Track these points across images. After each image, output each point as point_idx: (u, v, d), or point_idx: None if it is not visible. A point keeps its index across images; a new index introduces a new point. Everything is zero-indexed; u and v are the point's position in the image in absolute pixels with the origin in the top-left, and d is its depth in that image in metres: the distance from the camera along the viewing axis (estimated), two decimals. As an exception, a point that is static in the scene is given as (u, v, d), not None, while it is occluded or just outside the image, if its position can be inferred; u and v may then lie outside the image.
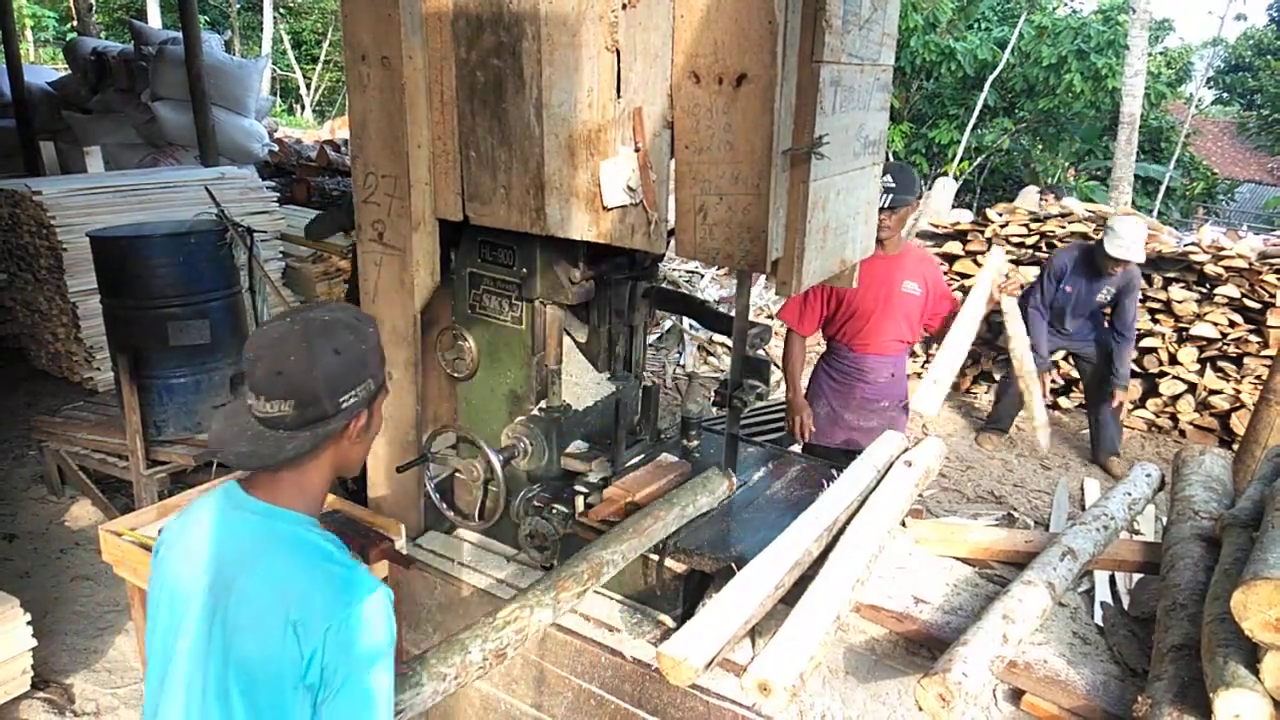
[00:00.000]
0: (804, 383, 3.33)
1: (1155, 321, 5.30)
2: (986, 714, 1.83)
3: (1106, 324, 4.89)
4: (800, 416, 3.22)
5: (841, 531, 2.13)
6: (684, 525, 2.04)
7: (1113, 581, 3.23)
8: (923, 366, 6.08)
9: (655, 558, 2.05)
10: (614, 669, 2.00)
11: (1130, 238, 4.36)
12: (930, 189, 8.47)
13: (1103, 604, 2.69)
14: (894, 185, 2.92)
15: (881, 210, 2.92)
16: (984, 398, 5.95)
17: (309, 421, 1.20)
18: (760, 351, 2.40)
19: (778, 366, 5.93)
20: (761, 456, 2.67)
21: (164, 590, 1.27)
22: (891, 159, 12.00)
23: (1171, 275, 5.26)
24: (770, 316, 6.58)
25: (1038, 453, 5.05)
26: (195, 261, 3.89)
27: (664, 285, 3.44)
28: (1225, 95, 26.51)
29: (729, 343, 5.40)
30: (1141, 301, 5.32)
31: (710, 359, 6.25)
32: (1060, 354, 5.27)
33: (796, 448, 3.24)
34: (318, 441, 1.21)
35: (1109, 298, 4.68)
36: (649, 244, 1.94)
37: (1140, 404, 5.39)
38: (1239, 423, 4.94)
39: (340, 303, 1.34)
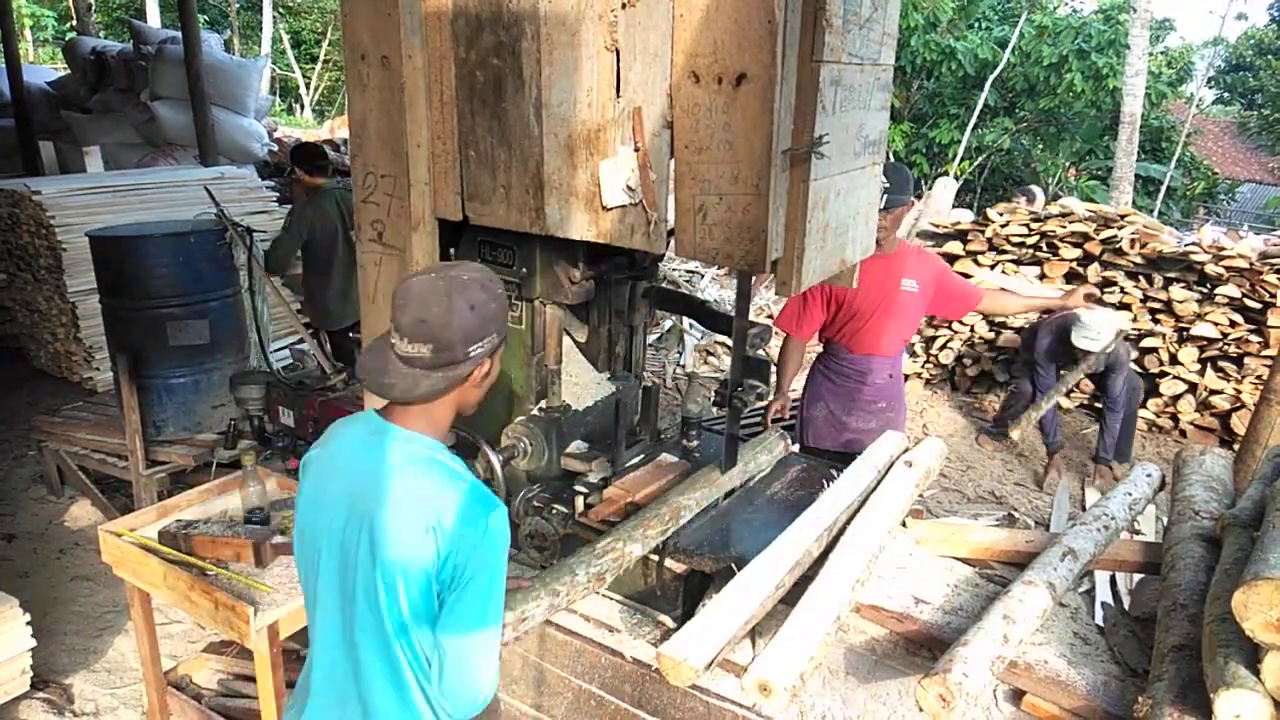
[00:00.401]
0: (797, 385, 3.32)
1: (1156, 321, 5.29)
2: (987, 714, 1.83)
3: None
4: (775, 404, 3.16)
5: (842, 532, 2.12)
6: (744, 481, 2.33)
7: (1113, 582, 3.23)
8: (923, 366, 6.08)
9: (655, 558, 2.05)
10: (614, 669, 2.00)
11: (1096, 328, 4.34)
12: (931, 189, 8.46)
13: (1103, 604, 2.68)
14: (888, 185, 2.88)
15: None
16: (984, 398, 5.94)
17: (443, 364, 1.39)
18: (760, 351, 2.39)
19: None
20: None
21: (311, 503, 1.48)
22: (892, 159, 12.02)
23: (1172, 275, 5.26)
24: (770, 316, 6.58)
25: (1037, 452, 5.05)
26: (195, 261, 3.88)
27: (664, 285, 3.43)
28: (1226, 95, 26.51)
29: (729, 343, 5.41)
30: (1142, 301, 5.32)
31: (710, 358, 6.25)
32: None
33: (795, 448, 3.23)
34: (449, 382, 1.41)
35: (1101, 367, 4.58)
36: (649, 244, 1.94)
37: (1141, 404, 5.39)
38: (1239, 423, 4.93)
39: (476, 264, 1.52)
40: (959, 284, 3.28)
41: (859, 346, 3.11)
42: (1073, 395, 5.63)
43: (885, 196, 2.87)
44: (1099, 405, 5.03)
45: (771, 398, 3.20)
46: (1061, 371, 4.67)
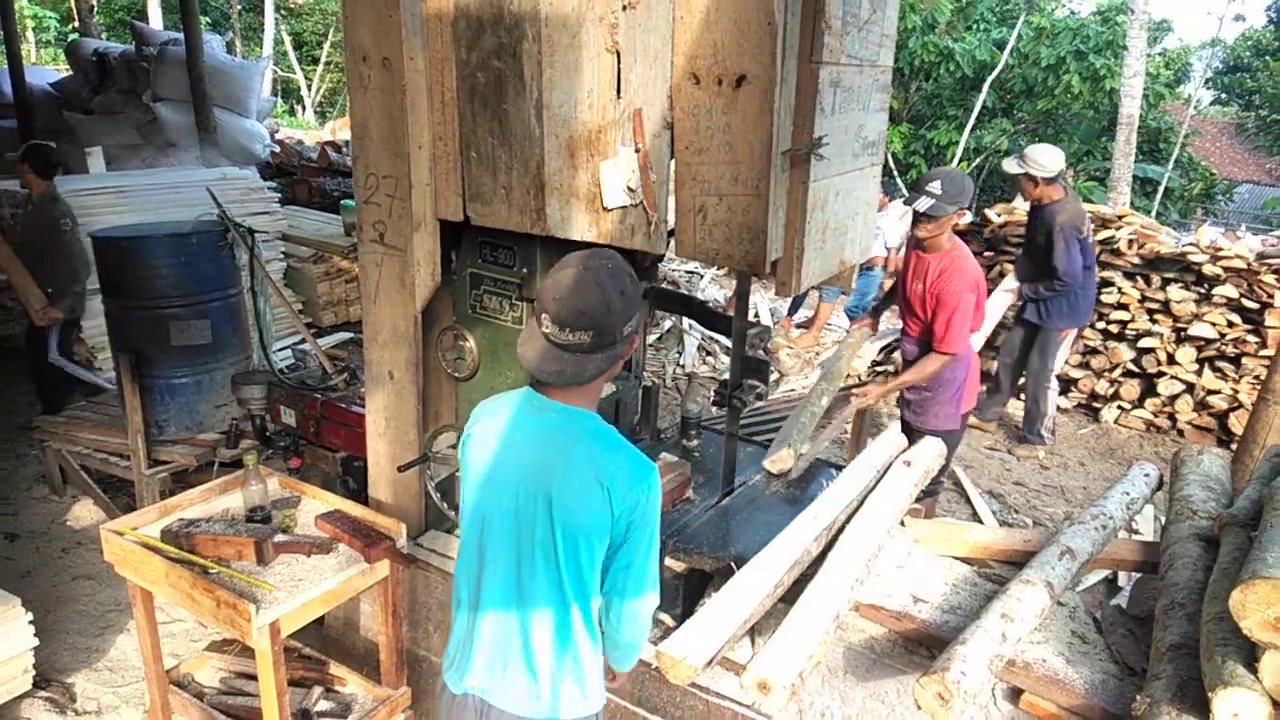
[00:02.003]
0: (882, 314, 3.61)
1: (1154, 321, 5.30)
2: (985, 712, 1.84)
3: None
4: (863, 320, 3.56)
5: (841, 531, 2.13)
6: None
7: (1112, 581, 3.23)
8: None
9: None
10: (614, 668, 2.00)
11: (1034, 157, 4.49)
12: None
13: (1102, 604, 2.69)
14: (939, 193, 2.95)
15: (921, 215, 2.99)
16: (984, 395, 5.94)
17: (603, 346, 1.51)
18: (760, 351, 2.41)
19: (777, 367, 5.94)
20: (762, 456, 2.68)
21: (479, 469, 1.61)
22: (890, 160, 12.04)
23: (1170, 275, 5.27)
24: (757, 316, 6.59)
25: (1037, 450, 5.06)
26: (197, 262, 3.89)
27: (664, 285, 3.44)
28: (1224, 96, 26.50)
29: (727, 343, 5.39)
30: (1140, 302, 5.32)
31: (710, 358, 6.26)
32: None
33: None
34: (610, 363, 1.54)
35: (1040, 238, 4.59)
36: (649, 244, 1.95)
37: (1138, 404, 5.39)
38: (1237, 423, 4.94)
39: (604, 249, 1.63)
40: (937, 322, 3.09)
41: (910, 330, 3.38)
42: (1070, 395, 5.64)
43: (933, 203, 2.95)
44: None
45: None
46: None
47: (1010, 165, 4.58)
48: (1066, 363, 5.58)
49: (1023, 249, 4.93)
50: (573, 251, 2.12)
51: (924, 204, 2.96)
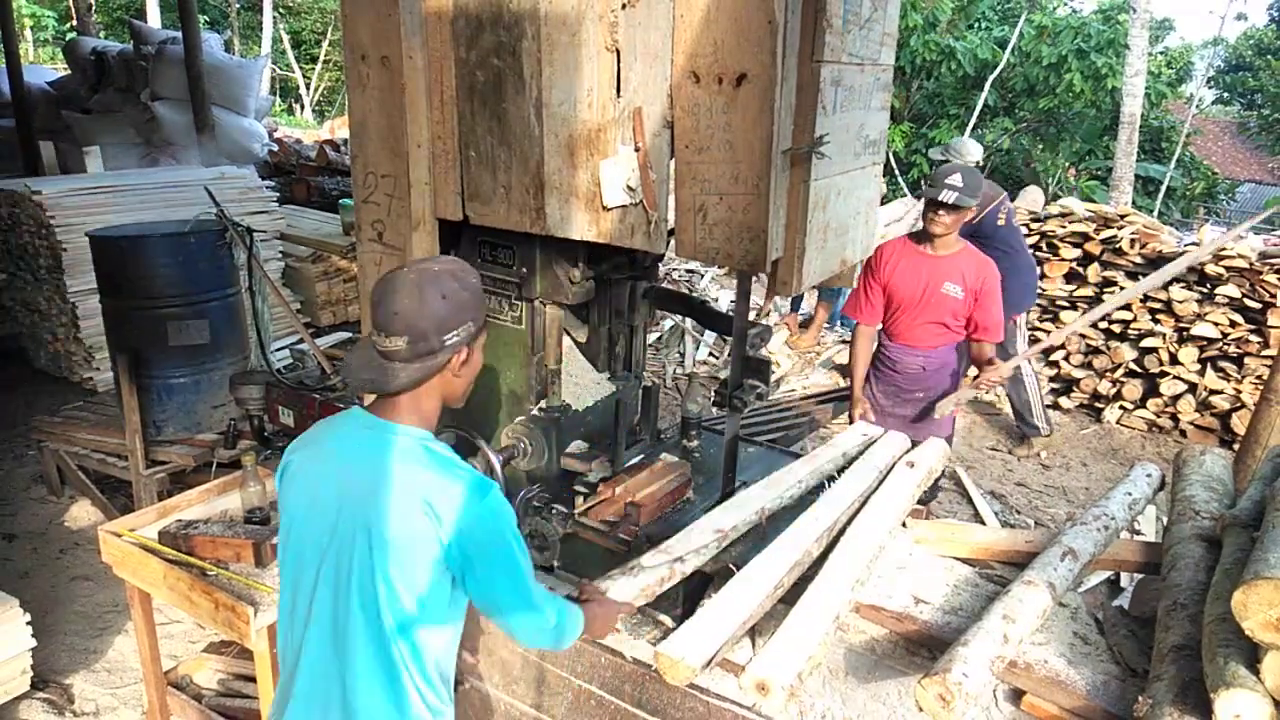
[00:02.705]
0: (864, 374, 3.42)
1: (1156, 321, 5.29)
2: (987, 714, 1.83)
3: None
4: (858, 409, 3.35)
5: (842, 532, 2.13)
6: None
7: (1114, 581, 3.23)
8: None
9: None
10: (614, 669, 2.00)
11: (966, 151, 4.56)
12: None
13: (1104, 604, 2.69)
14: (961, 185, 2.94)
15: (942, 206, 2.96)
16: (986, 395, 5.93)
17: (419, 354, 1.41)
18: (761, 351, 2.40)
19: (778, 367, 5.93)
20: (762, 456, 2.67)
21: (294, 498, 1.48)
22: (892, 160, 12.03)
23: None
24: (763, 314, 6.58)
25: (1033, 448, 5.05)
26: (195, 261, 3.88)
27: (664, 285, 3.43)
28: (1226, 95, 26.49)
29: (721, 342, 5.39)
30: (1142, 301, 5.31)
31: (711, 358, 6.25)
32: None
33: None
34: (426, 372, 1.43)
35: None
36: (649, 244, 1.94)
37: (1141, 404, 5.39)
38: (1240, 423, 4.93)
39: (450, 256, 1.59)
40: (990, 314, 3.13)
41: (896, 336, 3.25)
42: (1072, 394, 5.62)
43: (957, 194, 2.92)
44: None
45: (850, 398, 3.39)
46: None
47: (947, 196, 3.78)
48: (1067, 360, 5.58)
49: None
50: (570, 250, 2.13)
51: (950, 195, 2.93)
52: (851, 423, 3.28)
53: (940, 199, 2.98)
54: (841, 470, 2.41)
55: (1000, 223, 4.39)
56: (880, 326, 3.34)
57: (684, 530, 1.97)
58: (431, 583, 1.39)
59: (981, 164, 4.70)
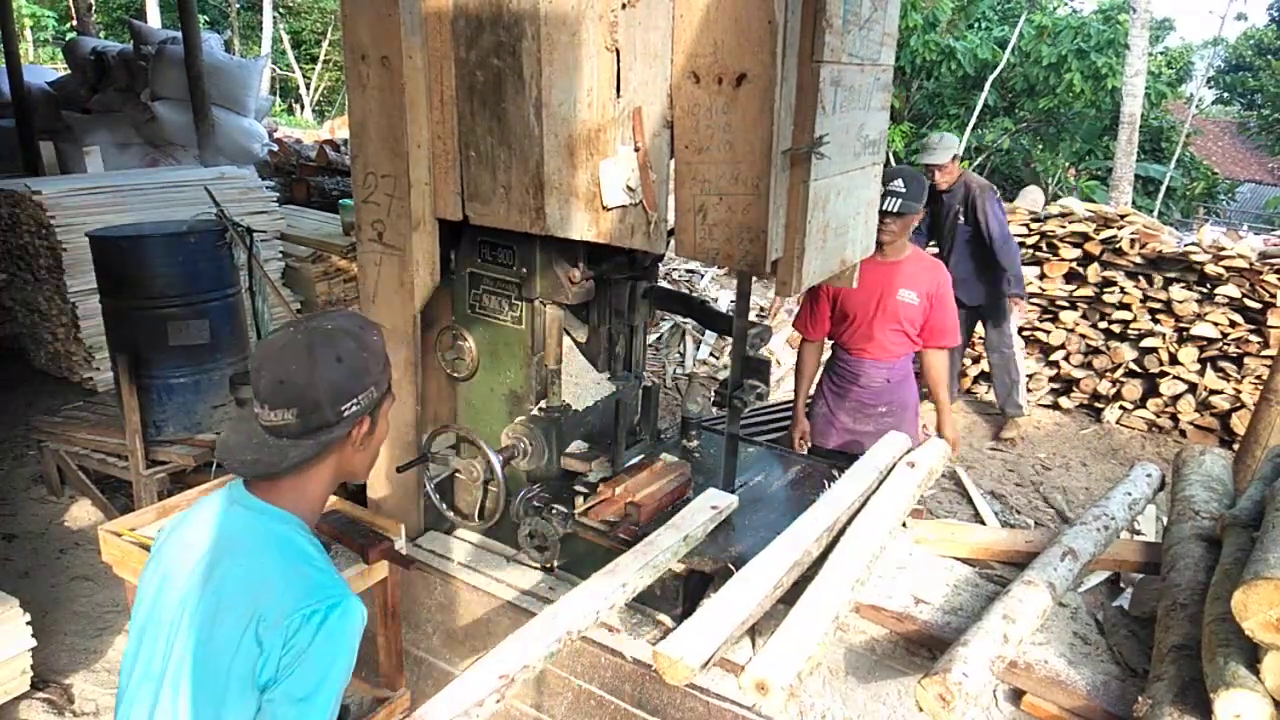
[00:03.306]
0: (810, 392, 3.32)
1: (1156, 321, 5.29)
2: (987, 714, 1.83)
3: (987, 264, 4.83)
4: (797, 431, 3.25)
5: (843, 532, 2.13)
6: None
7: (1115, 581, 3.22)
8: None
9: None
10: (614, 669, 2.00)
11: (933, 145, 4.75)
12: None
13: (1104, 604, 2.69)
14: (904, 190, 2.87)
15: (888, 215, 2.86)
16: (985, 397, 5.94)
17: (312, 429, 1.22)
18: (761, 351, 2.40)
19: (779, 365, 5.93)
20: (762, 456, 2.67)
21: (155, 576, 1.29)
22: (892, 159, 12.02)
23: (1172, 275, 5.26)
24: (762, 314, 6.58)
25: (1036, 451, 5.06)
26: (195, 261, 3.88)
27: (664, 285, 3.42)
28: (1226, 95, 26.49)
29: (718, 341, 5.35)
30: (1142, 301, 5.31)
31: (711, 357, 6.25)
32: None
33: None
34: (320, 449, 1.24)
35: (961, 217, 4.75)
36: (649, 244, 1.94)
37: (1141, 404, 5.39)
38: (1239, 423, 4.93)
39: (345, 310, 1.37)
40: (944, 318, 3.09)
41: (855, 349, 3.12)
42: (1072, 394, 5.62)
43: (900, 201, 2.87)
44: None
45: (792, 418, 3.29)
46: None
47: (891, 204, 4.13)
48: (1067, 360, 5.58)
49: (947, 253, 4.87)
50: (570, 250, 2.13)
51: (893, 203, 2.85)
52: (791, 447, 3.19)
53: (884, 208, 2.81)
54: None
55: (998, 196, 4.71)
56: (833, 342, 3.22)
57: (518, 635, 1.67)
58: (236, 699, 1.17)
59: (960, 156, 4.87)
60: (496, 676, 1.55)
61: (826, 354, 3.36)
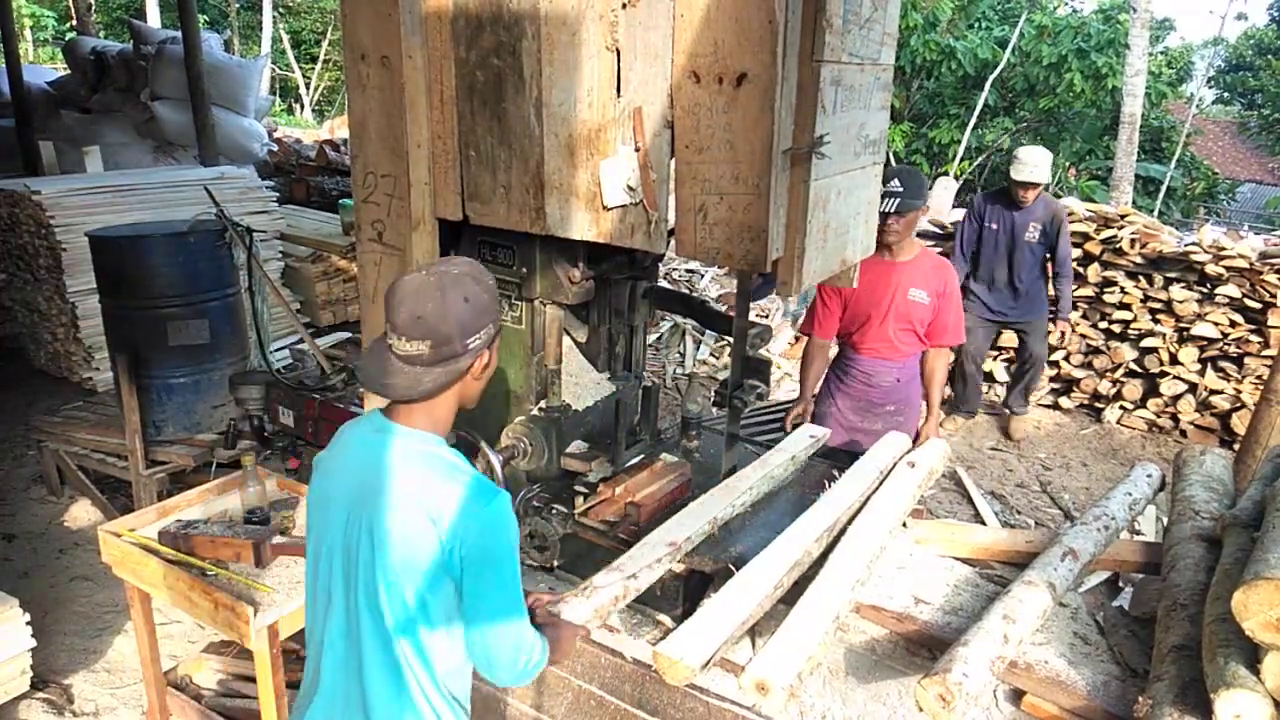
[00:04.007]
0: (816, 387, 3.30)
1: (1156, 321, 5.29)
2: (987, 715, 1.83)
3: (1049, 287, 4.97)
4: (795, 409, 3.23)
5: (843, 532, 2.12)
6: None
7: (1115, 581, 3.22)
8: None
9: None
10: (614, 670, 2.00)
11: (1033, 161, 4.57)
12: (931, 189, 8.43)
13: (1104, 604, 2.69)
14: (901, 189, 2.86)
15: (889, 215, 2.86)
16: (988, 394, 5.94)
17: (442, 359, 1.40)
18: (761, 351, 2.39)
19: (778, 367, 5.93)
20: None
21: (317, 502, 1.51)
22: (892, 159, 12.02)
23: (1172, 275, 5.26)
24: (763, 315, 6.57)
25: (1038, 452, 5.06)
26: (194, 261, 3.88)
27: (664, 285, 3.42)
28: (1226, 95, 26.50)
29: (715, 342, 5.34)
30: (1143, 301, 5.31)
31: (711, 358, 6.25)
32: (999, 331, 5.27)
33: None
34: (450, 376, 1.42)
35: (1038, 235, 4.74)
36: (649, 244, 1.94)
37: (1141, 404, 5.38)
38: (1240, 423, 4.93)
39: (464, 258, 1.53)
40: (949, 316, 3.09)
41: (863, 349, 3.12)
42: (1072, 394, 5.63)
43: (899, 201, 2.86)
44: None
45: (795, 401, 3.27)
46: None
47: (1022, 173, 4.60)
48: (1068, 360, 5.58)
49: (994, 264, 4.90)
50: (570, 250, 2.13)
51: (890, 204, 2.84)
52: (788, 421, 3.20)
53: (882, 209, 2.77)
54: (791, 473, 2.40)
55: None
56: (841, 342, 3.23)
57: (635, 547, 1.91)
58: (433, 586, 1.38)
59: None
60: (665, 544, 1.90)
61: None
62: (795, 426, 3.12)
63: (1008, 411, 5.29)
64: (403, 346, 1.40)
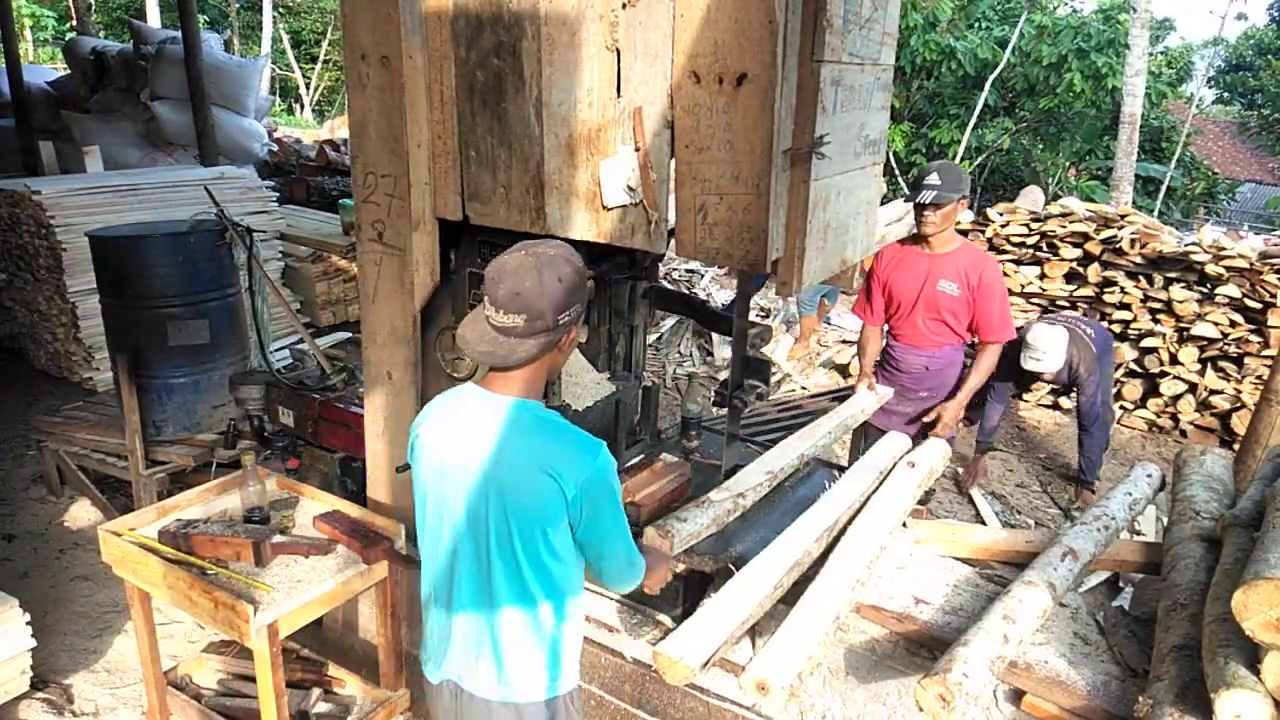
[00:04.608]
0: (871, 367, 3.40)
1: (1156, 321, 5.29)
2: (987, 714, 1.83)
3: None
4: (858, 385, 3.26)
5: (843, 532, 2.13)
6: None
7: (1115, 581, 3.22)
8: None
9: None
10: (614, 669, 2.00)
11: (1043, 348, 4.07)
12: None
13: (1104, 604, 2.68)
14: (939, 182, 2.97)
15: (925, 207, 2.99)
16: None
17: (536, 331, 1.53)
18: (761, 351, 2.40)
19: (778, 367, 5.93)
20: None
21: (429, 469, 1.64)
22: (892, 159, 12.03)
23: (1172, 275, 5.26)
24: (764, 315, 6.57)
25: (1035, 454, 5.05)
26: (194, 261, 3.88)
27: (664, 285, 3.43)
28: (1226, 95, 26.49)
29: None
30: (1143, 301, 5.31)
31: (710, 358, 6.25)
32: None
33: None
34: (541, 348, 1.56)
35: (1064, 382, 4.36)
36: (649, 244, 1.94)
37: (1141, 404, 5.38)
38: (1240, 423, 4.93)
39: (558, 241, 1.65)
40: (988, 311, 3.08)
41: (900, 336, 3.28)
42: (1072, 394, 5.62)
43: (935, 193, 2.96)
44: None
45: (857, 379, 3.37)
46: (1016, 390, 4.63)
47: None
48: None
49: None
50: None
51: (926, 195, 2.97)
52: (858, 386, 3.27)
53: (919, 200, 3.02)
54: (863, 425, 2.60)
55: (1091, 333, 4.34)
56: (886, 327, 3.38)
57: (740, 472, 2.16)
58: (557, 528, 1.56)
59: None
60: (764, 472, 2.22)
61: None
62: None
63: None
64: (500, 319, 1.53)
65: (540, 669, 1.63)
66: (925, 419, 3.21)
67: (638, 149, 1.86)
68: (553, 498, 1.53)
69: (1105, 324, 5.43)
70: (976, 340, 3.22)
